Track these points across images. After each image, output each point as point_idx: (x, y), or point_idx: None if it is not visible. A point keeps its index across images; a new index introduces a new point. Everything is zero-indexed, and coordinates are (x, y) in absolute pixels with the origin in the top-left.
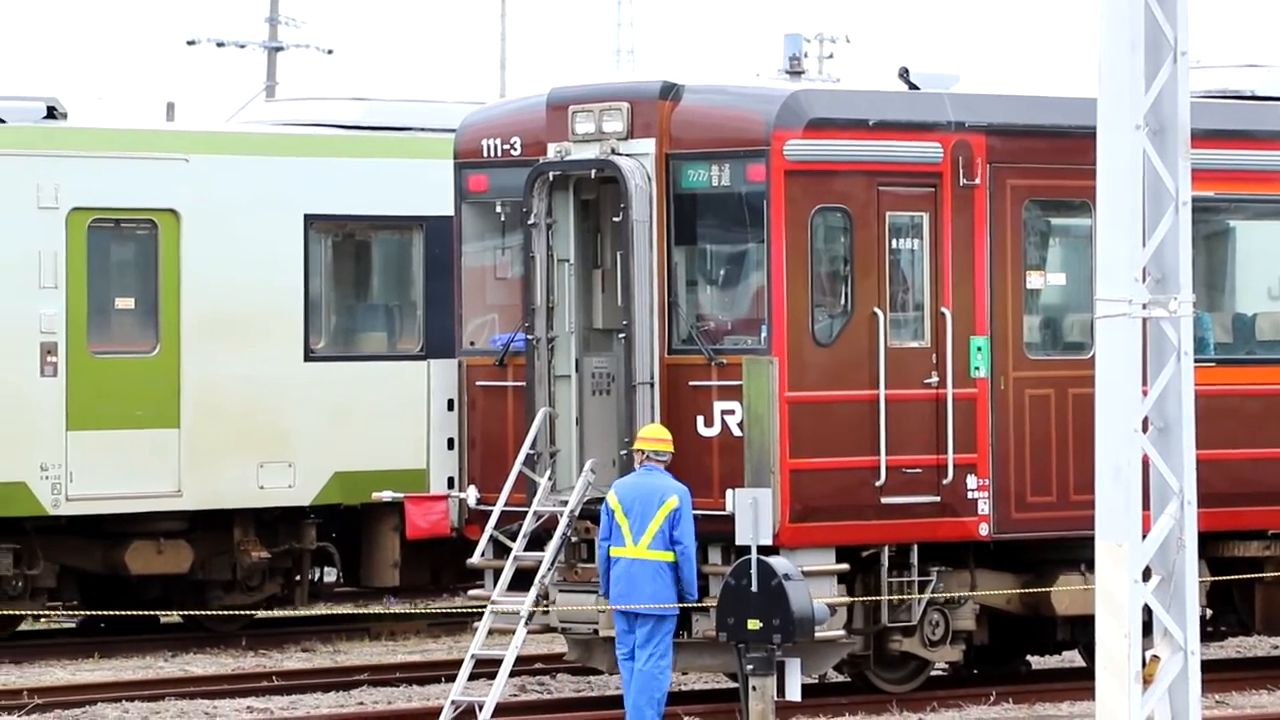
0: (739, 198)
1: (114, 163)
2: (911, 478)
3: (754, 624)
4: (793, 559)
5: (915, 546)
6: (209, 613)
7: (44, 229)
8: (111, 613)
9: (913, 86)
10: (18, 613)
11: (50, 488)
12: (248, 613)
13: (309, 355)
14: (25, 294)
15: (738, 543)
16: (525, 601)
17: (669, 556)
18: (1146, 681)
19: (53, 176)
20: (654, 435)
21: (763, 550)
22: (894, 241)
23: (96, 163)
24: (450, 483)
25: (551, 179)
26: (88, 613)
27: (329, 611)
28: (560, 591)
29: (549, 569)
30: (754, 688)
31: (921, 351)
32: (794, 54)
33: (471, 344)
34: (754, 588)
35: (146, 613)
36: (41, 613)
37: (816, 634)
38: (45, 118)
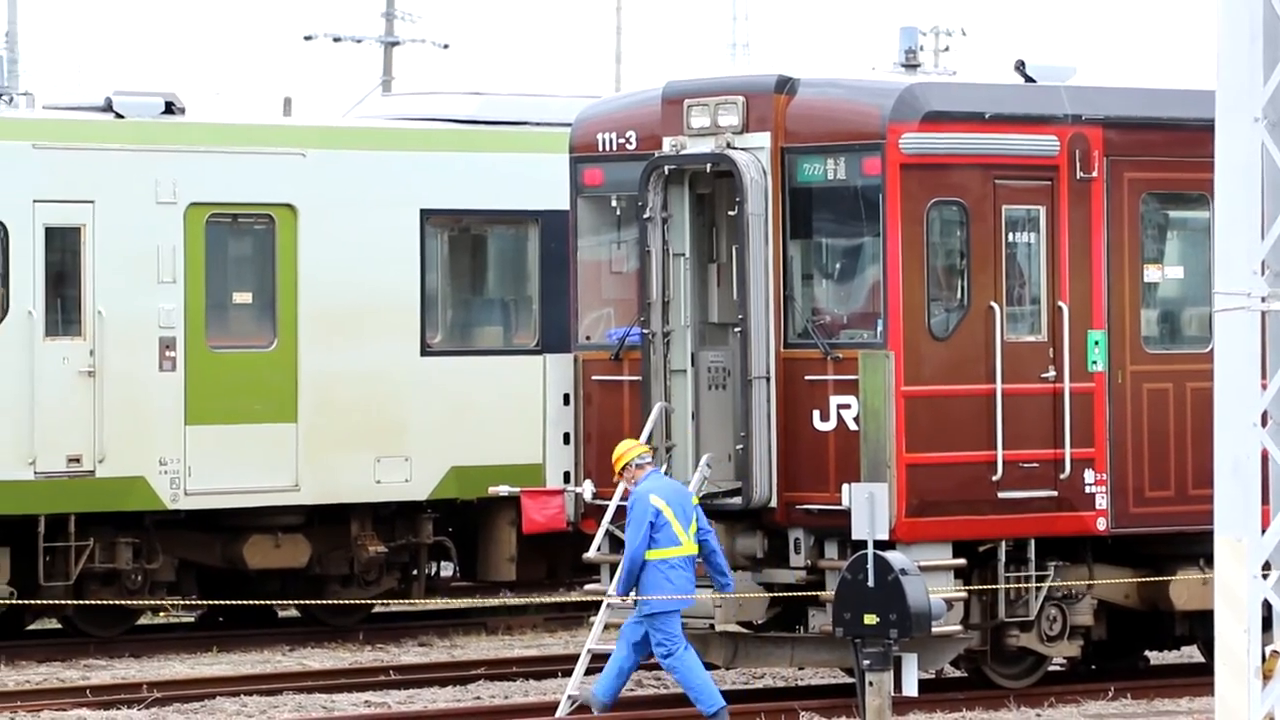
0: (855, 191)
1: (231, 158)
2: (1028, 472)
3: (871, 619)
4: (909, 554)
5: (1032, 541)
6: (326, 603)
7: (162, 224)
8: (229, 602)
9: (1029, 79)
10: (137, 605)
11: (169, 482)
12: (365, 604)
13: (425, 350)
14: (144, 289)
15: (854, 537)
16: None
17: (695, 549)
18: (1266, 677)
19: (171, 172)
20: (630, 444)
21: (879, 545)
22: (1010, 235)
23: (214, 158)
24: (566, 477)
25: (667, 173)
26: (206, 603)
27: (446, 606)
28: None
29: None
30: (871, 683)
31: (1038, 346)
32: (910, 47)
33: (587, 338)
34: (871, 583)
35: (264, 603)
36: (161, 604)
37: (933, 629)
38: (163, 113)
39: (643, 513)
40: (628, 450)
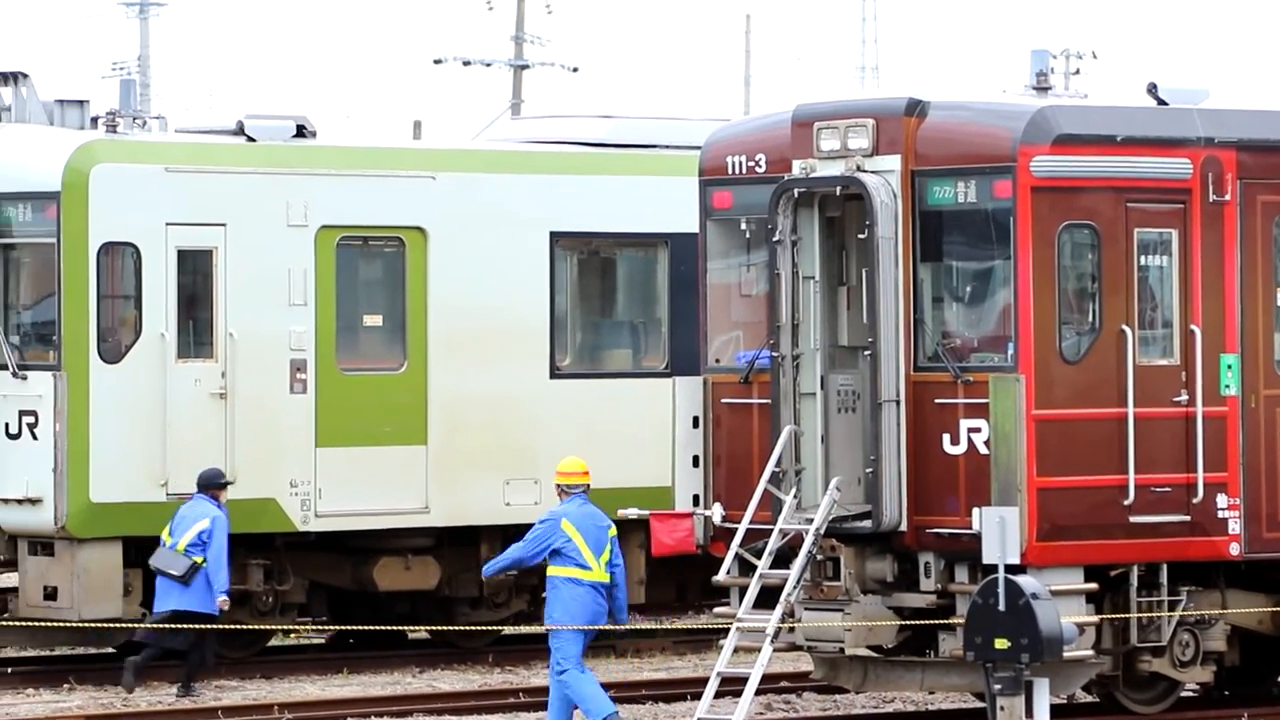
0: (985, 214)
1: (362, 181)
2: (1160, 496)
3: (1002, 643)
4: (1040, 578)
5: (1164, 566)
6: (456, 629)
7: (293, 246)
8: (360, 628)
9: (1161, 102)
10: (268, 628)
11: (300, 504)
12: (495, 629)
13: (554, 372)
14: (275, 311)
15: (984, 561)
16: (771, 619)
17: (607, 578)
18: None
19: (302, 195)
20: (575, 469)
21: (1010, 569)
22: (1142, 258)
23: (345, 181)
24: (695, 500)
25: (797, 196)
26: (336, 627)
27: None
28: (806, 609)
29: (795, 587)
30: (1002, 707)
31: (1170, 369)
32: (1041, 70)
33: (716, 361)
34: (1002, 607)
35: (395, 628)
36: (291, 628)
37: (1065, 654)
38: (295, 136)
39: (548, 533)
40: (566, 474)
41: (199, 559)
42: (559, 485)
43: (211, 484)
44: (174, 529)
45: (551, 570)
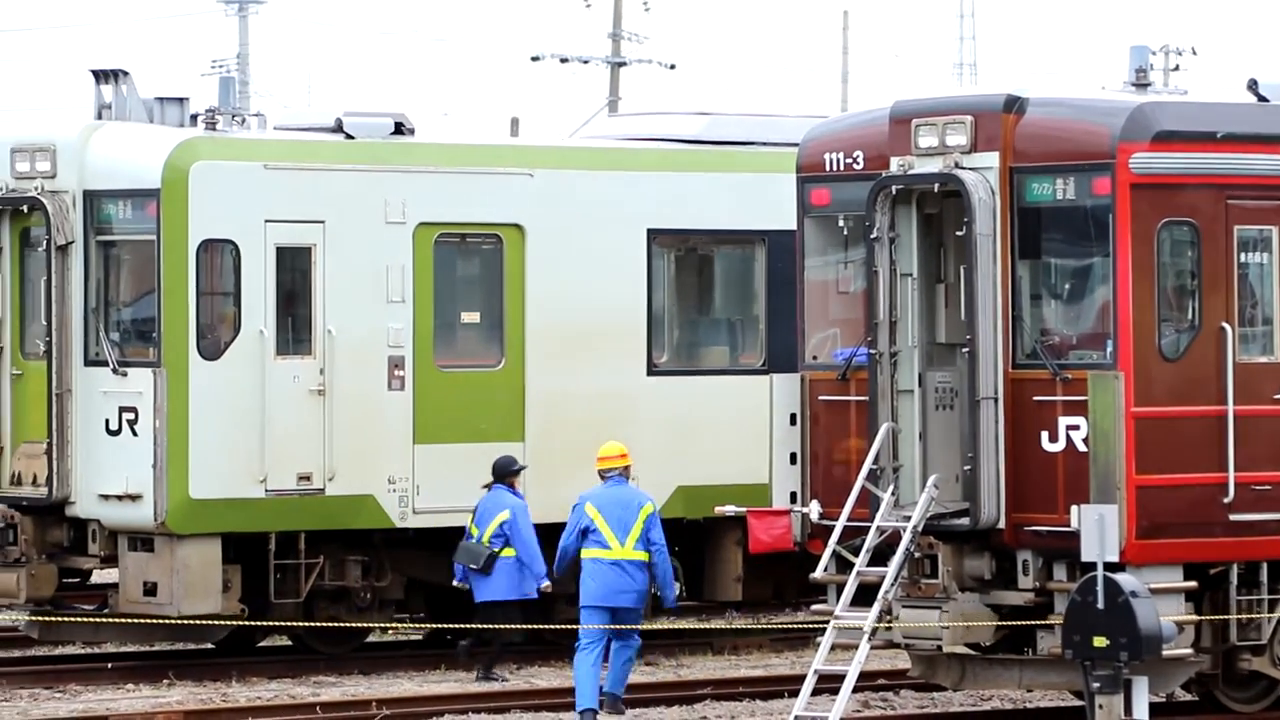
0: (1084, 211)
1: (460, 178)
2: (1261, 495)
3: (1100, 641)
4: (1139, 576)
5: (1265, 564)
6: (553, 627)
7: (392, 244)
8: (457, 625)
9: (1261, 99)
10: (366, 625)
11: (398, 500)
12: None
13: (651, 369)
14: (374, 308)
15: (1083, 559)
16: (868, 617)
17: (645, 556)
18: None
19: (400, 192)
20: (611, 452)
21: (1109, 567)
22: (1242, 255)
23: (443, 178)
24: (793, 497)
25: (894, 193)
26: (434, 625)
27: (672, 625)
28: (903, 607)
29: (892, 584)
30: (1100, 705)
31: (1271, 367)
32: (1140, 66)
33: (814, 358)
34: (1100, 605)
35: (492, 626)
36: (389, 624)
37: (1164, 652)
38: (393, 133)
39: (574, 517)
40: (603, 458)
41: (497, 549)
42: (598, 470)
43: (506, 472)
44: (477, 521)
45: (582, 551)
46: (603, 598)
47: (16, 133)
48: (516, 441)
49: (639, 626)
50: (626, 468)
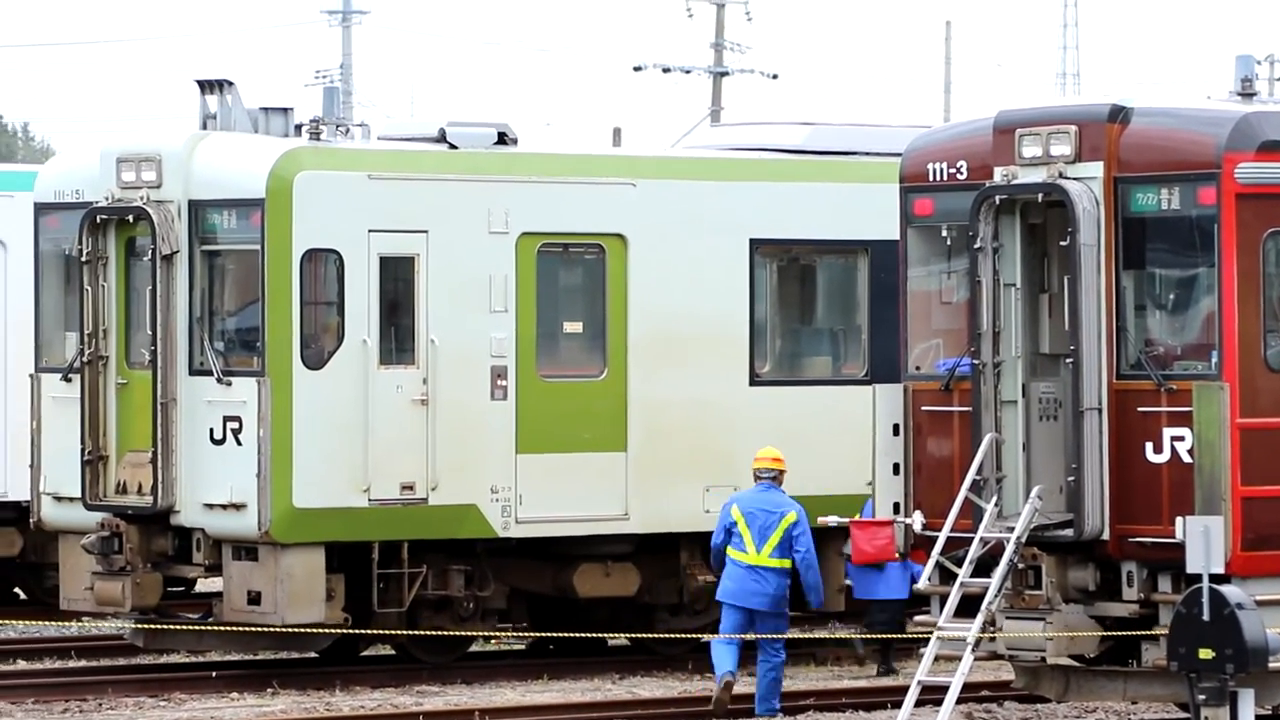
0: (1189, 221)
1: (562, 188)
2: None
3: (1206, 653)
4: (1245, 588)
5: None
6: (656, 636)
7: (495, 253)
8: (560, 634)
9: None
10: (469, 634)
11: (500, 510)
12: (695, 636)
13: (754, 379)
14: (476, 318)
15: (1188, 571)
16: (972, 628)
17: (787, 564)
18: None
19: (503, 201)
20: (766, 455)
21: (1214, 579)
22: None
23: (546, 188)
24: (896, 508)
25: (998, 203)
26: (536, 634)
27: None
28: (1007, 618)
29: (996, 595)
30: (1205, 718)
31: None
32: (1245, 75)
33: (917, 369)
34: (1206, 617)
35: (595, 635)
36: (492, 633)
37: (1270, 664)
38: (496, 144)
39: (720, 518)
40: (757, 459)
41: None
42: (753, 470)
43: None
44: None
45: (726, 549)
46: (736, 597)
47: (122, 143)
48: (618, 451)
49: (782, 635)
50: (780, 473)
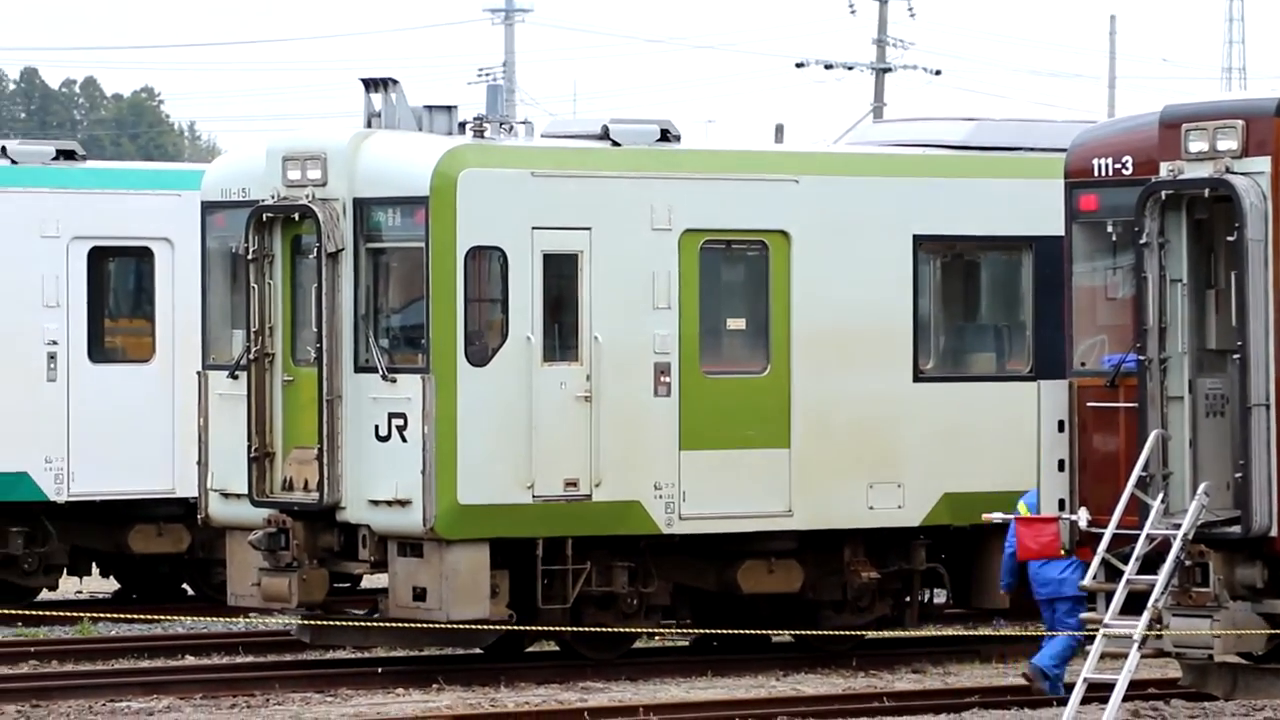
0: None
1: (725, 185)
2: None
3: None
4: None
5: None
6: (820, 633)
7: (658, 250)
8: (723, 631)
9: None
10: (633, 630)
11: (664, 507)
12: (859, 633)
13: (918, 376)
14: (639, 315)
15: None
16: (1138, 625)
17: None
18: None
19: (666, 198)
20: None
21: None
22: None
23: (709, 185)
24: (1061, 504)
25: (1164, 198)
26: (700, 630)
27: (939, 633)
28: (1174, 615)
29: (1162, 592)
30: None
31: None
32: None
33: (1082, 365)
34: None
35: (759, 632)
36: (656, 630)
37: None
38: (659, 140)
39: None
40: None
41: None
42: None
43: None
44: None
45: None
46: (1048, 592)
47: (288, 141)
48: (782, 448)
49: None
50: None
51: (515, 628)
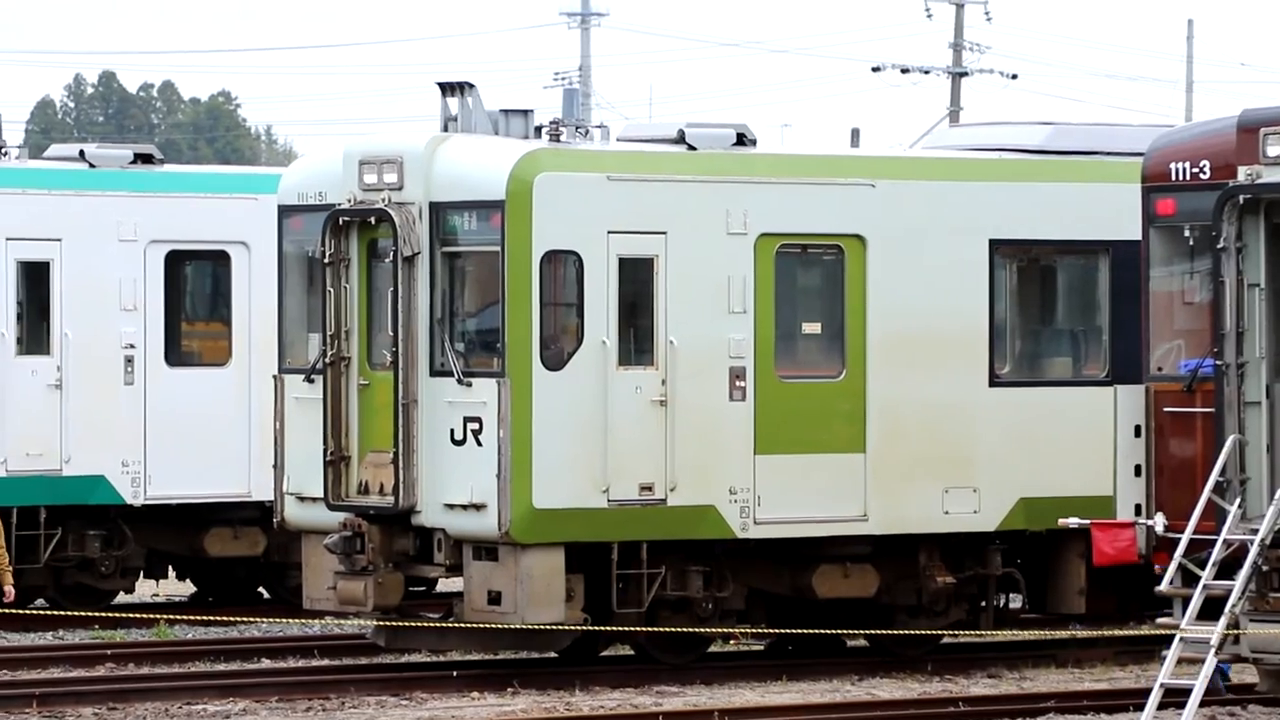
0: None
1: (801, 189)
2: None
3: None
4: None
5: None
6: (895, 634)
7: (733, 254)
8: (798, 631)
9: None
10: (708, 632)
11: (739, 511)
12: (934, 635)
13: (994, 380)
14: (715, 319)
15: None
16: (1215, 630)
17: None
18: None
19: (742, 202)
20: None
21: None
22: None
23: (784, 189)
24: (1138, 510)
25: (1242, 202)
26: (776, 631)
27: (1015, 638)
28: (1251, 620)
29: (1239, 598)
30: None
31: None
32: None
33: (1159, 369)
34: None
35: (834, 632)
36: (731, 633)
37: None
38: (734, 145)
39: None
40: None
41: None
42: None
43: None
44: None
45: None
46: None
47: (364, 145)
48: (857, 452)
49: None
50: None
51: (590, 628)
